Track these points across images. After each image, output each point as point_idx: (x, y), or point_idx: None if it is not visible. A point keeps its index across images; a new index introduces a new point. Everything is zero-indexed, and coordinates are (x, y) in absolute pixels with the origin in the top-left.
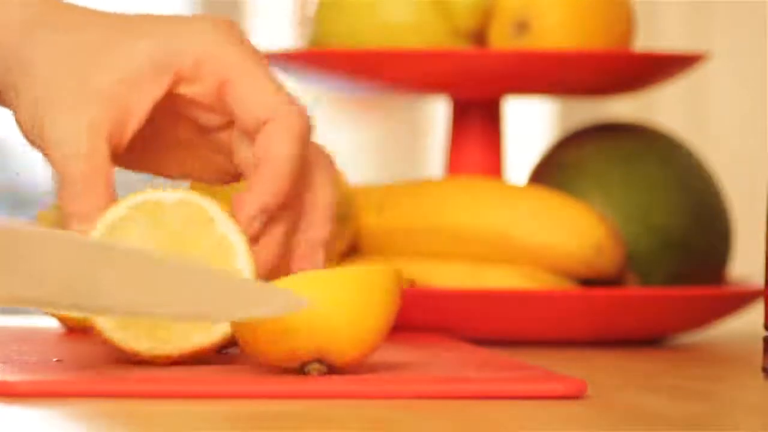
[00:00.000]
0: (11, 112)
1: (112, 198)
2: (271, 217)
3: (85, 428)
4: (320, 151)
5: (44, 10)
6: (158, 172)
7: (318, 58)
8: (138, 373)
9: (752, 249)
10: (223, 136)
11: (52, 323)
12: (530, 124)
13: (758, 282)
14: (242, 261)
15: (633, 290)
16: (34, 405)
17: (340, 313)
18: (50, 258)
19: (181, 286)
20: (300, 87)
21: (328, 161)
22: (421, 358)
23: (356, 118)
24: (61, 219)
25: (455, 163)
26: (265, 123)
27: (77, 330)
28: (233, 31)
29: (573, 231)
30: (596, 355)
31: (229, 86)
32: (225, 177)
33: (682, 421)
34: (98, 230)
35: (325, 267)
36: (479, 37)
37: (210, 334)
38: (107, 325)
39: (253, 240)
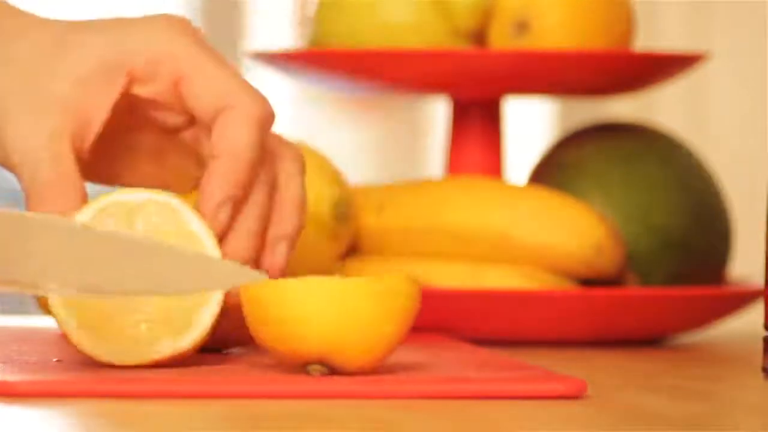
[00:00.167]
0: None
1: (83, 198)
2: (237, 208)
3: (85, 428)
4: (288, 144)
5: None
6: (125, 182)
7: (318, 58)
8: (138, 373)
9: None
10: (187, 136)
11: (52, 323)
12: (530, 124)
13: (758, 282)
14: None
15: (633, 290)
16: (34, 405)
17: (349, 323)
18: (29, 239)
19: (140, 262)
20: (300, 87)
21: (297, 155)
22: (421, 358)
23: (356, 118)
24: None
25: (455, 163)
26: (220, 113)
27: None
28: (185, 27)
29: (573, 231)
30: (596, 355)
31: (184, 82)
32: (191, 183)
33: (682, 421)
34: None
35: (287, 261)
36: (479, 37)
37: (179, 342)
38: (76, 333)
39: (222, 233)
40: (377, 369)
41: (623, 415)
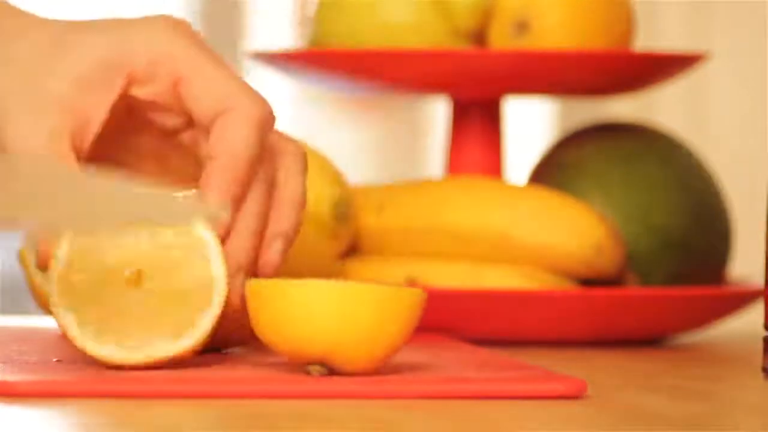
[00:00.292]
0: None
1: None
2: (236, 208)
3: (85, 428)
4: (289, 141)
5: None
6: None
7: (318, 58)
8: (138, 373)
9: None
10: (187, 137)
11: (52, 323)
12: (530, 124)
13: (758, 282)
14: (215, 261)
15: (633, 290)
16: (34, 405)
17: (350, 327)
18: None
19: (106, 199)
20: (300, 87)
21: (298, 152)
22: (421, 358)
23: (356, 118)
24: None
25: (455, 163)
26: (220, 114)
27: None
28: (184, 29)
29: (573, 231)
30: (596, 355)
31: (183, 83)
32: (192, 182)
33: (682, 421)
34: (67, 235)
35: (282, 259)
36: (479, 37)
37: (179, 344)
38: (76, 333)
39: (223, 232)
40: (377, 369)
41: (623, 415)
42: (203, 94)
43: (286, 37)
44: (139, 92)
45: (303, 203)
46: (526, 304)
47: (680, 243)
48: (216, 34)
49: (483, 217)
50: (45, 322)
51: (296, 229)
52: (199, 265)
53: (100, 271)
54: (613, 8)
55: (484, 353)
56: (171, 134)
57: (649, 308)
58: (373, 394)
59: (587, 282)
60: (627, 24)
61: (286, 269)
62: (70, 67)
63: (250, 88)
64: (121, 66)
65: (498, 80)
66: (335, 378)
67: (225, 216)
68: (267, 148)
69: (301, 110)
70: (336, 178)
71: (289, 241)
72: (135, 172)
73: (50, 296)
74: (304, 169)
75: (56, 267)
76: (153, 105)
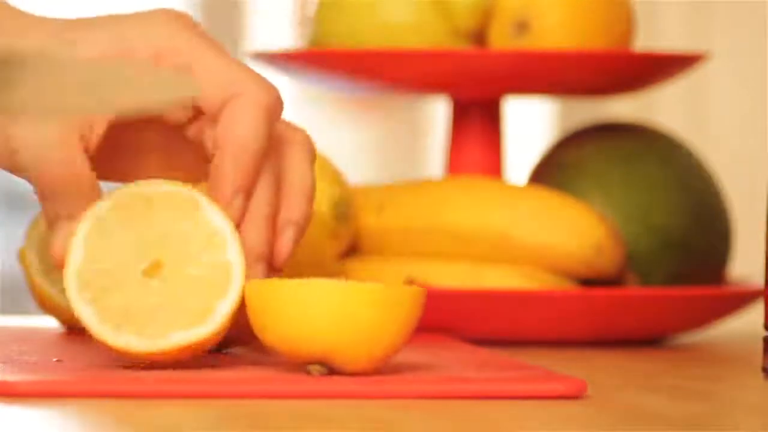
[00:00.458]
0: None
1: (97, 194)
2: (249, 196)
3: (85, 428)
4: (296, 131)
5: None
6: (130, 178)
7: (318, 58)
8: (138, 373)
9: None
10: (193, 131)
11: (52, 323)
12: (530, 124)
13: (758, 282)
14: (232, 248)
15: (633, 290)
16: (34, 405)
17: (350, 327)
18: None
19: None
20: (300, 87)
21: (306, 141)
22: (421, 358)
23: (356, 118)
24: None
25: (455, 163)
26: (227, 102)
27: (77, 330)
28: (185, 21)
29: (573, 231)
30: (596, 355)
31: (187, 74)
32: (198, 176)
33: (682, 421)
34: (83, 229)
35: (294, 247)
36: (479, 37)
37: (198, 331)
38: (96, 326)
39: (237, 222)
40: (377, 369)
41: (623, 415)
42: (209, 82)
43: (286, 37)
44: None
45: (312, 192)
46: (526, 304)
47: (680, 243)
48: (216, 34)
49: (483, 217)
50: (45, 322)
51: (307, 217)
52: (216, 253)
53: (117, 264)
54: (613, 8)
55: (484, 353)
56: (176, 128)
57: (649, 308)
58: (372, 394)
59: (587, 282)
60: (627, 24)
61: (287, 269)
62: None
63: (257, 74)
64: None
65: (498, 80)
66: (335, 378)
67: (237, 204)
68: (274, 136)
69: (301, 110)
70: (336, 178)
71: (301, 230)
72: (140, 167)
73: (67, 291)
74: (312, 157)
75: (73, 262)
76: None
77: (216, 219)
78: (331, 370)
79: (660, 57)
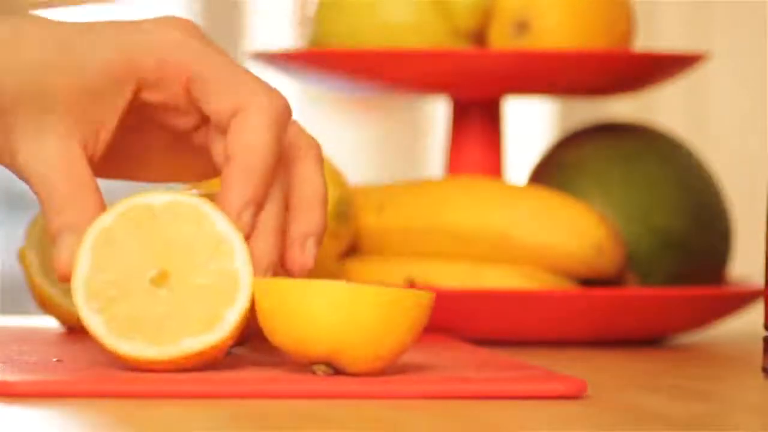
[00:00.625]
0: None
1: (101, 205)
2: (260, 208)
3: (85, 428)
4: (308, 139)
5: None
6: (136, 178)
7: (318, 58)
8: (138, 373)
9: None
10: (200, 137)
11: (52, 323)
12: (530, 124)
13: (758, 282)
14: (239, 256)
15: (633, 290)
16: (34, 405)
17: (356, 330)
18: None
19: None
20: (300, 87)
21: (317, 149)
22: (422, 358)
23: (356, 118)
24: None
25: (455, 163)
26: (235, 113)
27: (77, 330)
28: (191, 29)
29: (573, 231)
30: (596, 355)
31: (195, 84)
32: (200, 178)
33: (682, 421)
34: (89, 239)
35: (316, 258)
36: (479, 37)
37: (207, 338)
38: (105, 335)
39: (247, 235)
40: (382, 370)
41: (623, 415)
42: (216, 93)
43: (286, 37)
44: (150, 96)
45: (326, 199)
46: (526, 304)
47: (680, 243)
48: (216, 34)
49: (483, 217)
50: (45, 322)
51: (324, 226)
52: (223, 261)
53: (125, 273)
54: (613, 8)
55: (484, 353)
56: (183, 134)
57: (649, 308)
58: (373, 393)
59: (587, 282)
60: (627, 24)
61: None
62: (79, 74)
63: (264, 84)
64: (129, 71)
65: (498, 80)
66: (335, 378)
67: (247, 216)
68: (284, 146)
69: (301, 110)
70: (336, 178)
71: (320, 240)
72: (144, 168)
73: (75, 300)
74: (322, 163)
75: (80, 272)
76: (164, 107)
77: (223, 227)
78: (337, 371)
79: (660, 57)
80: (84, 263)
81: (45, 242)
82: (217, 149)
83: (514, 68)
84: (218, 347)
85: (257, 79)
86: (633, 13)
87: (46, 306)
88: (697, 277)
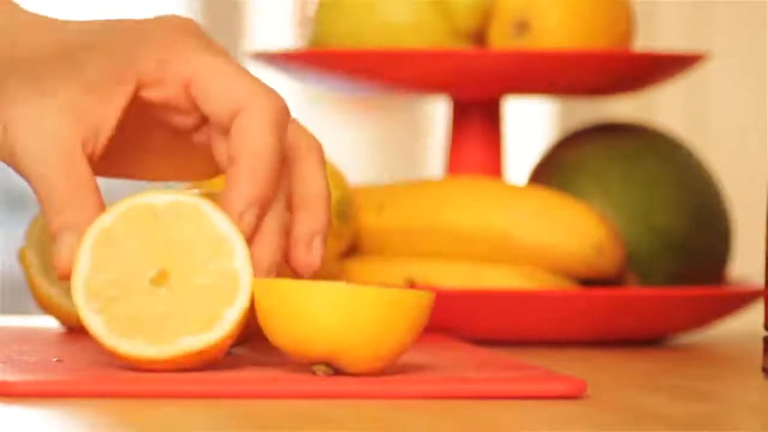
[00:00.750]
0: None
1: (100, 204)
2: (264, 210)
3: (85, 428)
4: (309, 139)
5: None
6: (134, 177)
7: (318, 58)
8: (138, 373)
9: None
10: (200, 136)
11: (52, 323)
12: (530, 124)
13: (758, 282)
14: (239, 256)
15: (633, 290)
16: (34, 405)
17: (356, 331)
18: None
19: None
20: (300, 87)
21: (318, 148)
22: (422, 358)
23: (356, 118)
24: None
25: (455, 163)
26: (236, 115)
27: (77, 330)
28: (192, 28)
29: (573, 231)
30: (596, 355)
31: (195, 85)
32: (201, 177)
33: (682, 421)
34: (89, 239)
35: (323, 258)
36: (479, 37)
37: (206, 337)
38: (105, 335)
39: (249, 236)
40: (382, 370)
41: (623, 415)
42: (216, 95)
43: (286, 37)
44: (150, 95)
45: (329, 198)
46: (526, 304)
47: (680, 243)
48: (216, 34)
49: (483, 217)
50: (45, 322)
51: (329, 225)
52: (223, 261)
53: (125, 273)
54: (613, 8)
55: (484, 353)
56: (183, 133)
57: (649, 308)
58: (373, 393)
59: (587, 282)
60: (627, 24)
61: (287, 269)
62: (79, 72)
63: (263, 84)
64: (129, 70)
65: (498, 80)
66: (335, 378)
67: (250, 217)
68: (286, 145)
69: (301, 110)
70: (336, 178)
71: (325, 239)
72: (144, 165)
73: (75, 300)
74: (323, 161)
75: (80, 272)
76: (164, 106)
77: (223, 227)
78: (337, 371)
79: (660, 57)
80: (84, 263)
81: (45, 242)
82: (220, 149)
83: (514, 68)
84: (217, 346)
85: (256, 80)
86: (633, 13)
87: (46, 306)
88: (697, 277)
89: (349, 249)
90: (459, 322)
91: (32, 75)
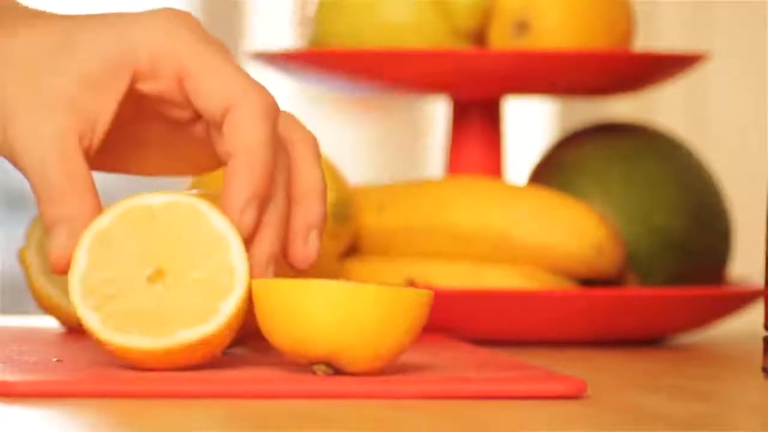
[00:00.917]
0: None
1: (96, 199)
2: (263, 205)
3: (85, 428)
4: (303, 132)
5: None
6: (133, 172)
7: (318, 58)
8: (138, 373)
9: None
10: (198, 129)
11: (52, 323)
12: (530, 124)
13: (758, 282)
14: (235, 251)
15: (633, 290)
16: (34, 405)
17: (356, 329)
18: None
19: None
20: (300, 87)
21: (313, 142)
22: (422, 358)
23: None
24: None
25: (455, 163)
26: (227, 111)
27: (77, 330)
28: (187, 21)
29: (573, 231)
30: (596, 355)
31: (188, 80)
32: (201, 170)
33: (682, 421)
34: (87, 240)
35: (319, 251)
36: (479, 37)
37: (202, 329)
38: (101, 330)
39: (251, 232)
40: (381, 369)
41: (623, 415)
42: (207, 92)
43: (286, 37)
44: (145, 87)
45: (325, 191)
46: (526, 304)
47: (680, 243)
48: (216, 34)
49: (483, 217)
50: (45, 322)
51: (324, 218)
52: (220, 257)
53: (121, 272)
54: (613, 8)
55: (484, 353)
56: (180, 125)
57: (649, 308)
58: (373, 393)
59: (587, 282)
60: (627, 24)
61: (287, 269)
62: (75, 66)
63: (253, 80)
64: (125, 63)
65: (498, 80)
66: (335, 378)
67: (251, 213)
68: (280, 138)
69: (301, 110)
70: (336, 178)
71: (321, 232)
72: (141, 158)
73: (71, 297)
74: (318, 155)
75: (77, 269)
76: (160, 98)
77: (219, 225)
78: (337, 371)
79: (660, 57)
80: (81, 262)
81: (45, 243)
82: (220, 143)
83: (514, 68)
84: (214, 339)
85: (245, 76)
86: (633, 13)
87: (46, 306)
88: (697, 277)
89: (349, 249)
90: (459, 322)
91: (29, 70)
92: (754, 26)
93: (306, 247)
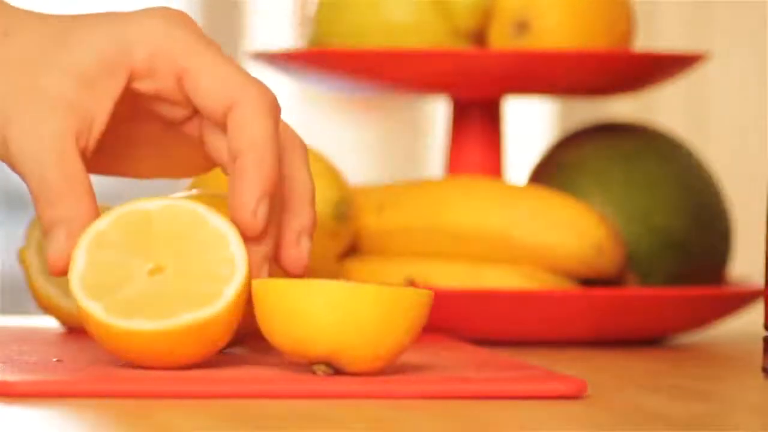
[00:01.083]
0: None
1: (93, 200)
2: (272, 200)
3: (85, 428)
4: (293, 137)
5: None
6: (126, 173)
7: (318, 58)
8: (138, 373)
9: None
10: (191, 128)
11: (52, 323)
12: (530, 124)
13: (758, 282)
14: (234, 243)
15: (633, 290)
16: (34, 405)
17: (356, 329)
18: None
19: None
20: (300, 87)
21: (302, 146)
22: (422, 358)
23: (356, 118)
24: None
25: (455, 163)
26: (230, 109)
27: (77, 330)
28: (183, 20)
29: (573, 231)
30: (596, 355)
31: (187, 78)
32: (194, 171)
33: (682, 421)
34: (85, 241)
35: (310, 254)
36: (479, 37)
37: (205, 311)
38: (104, 318)
39: (263, 229)
40: (382, 369)
41: (623, 415)
42: (208, 89)
43: (286, 37)
44: (141, 86)
45: (314, 195)
46: (526, 304)
47: (680, 243)
48: (216, 34)
49: (483, 217)
50: (45, 322)
51: (315, 221)
52: (219, 251)
53: (121, 267)
54: (613, 8)
55: (484, 353)
56: (174, 125)
57: (649, 308)
58: (373, 393)
59: (587, 282)
60: (627, 24)
61: (278, 271)
62: (71, 66)
63: (253, 78)
64: (121, 62)
65: (498, 80)
66: (335, 378)
67: (263, 209)
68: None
69: (301, 110)
70: (336, 178)
71: (312, 235)
72: (135, 159)
73: (72, 291)
74: (307, 159)
75: (76, 269)
76: (156, 97)
77: (217, 224)
78: (337, 371)
79: (660, 57)
80: (80, 261)
81: (43, 244)
82: (214, 143)
83: (514, 68)
84: (218, 321)
85: (246, 73)
86: (633, 13)
87: (46, 306)
88: (697, 277)
89: (349, 249)
90: (459, 322)
91: (25, 70)
92: (754, 26)
93: (298, 251)
